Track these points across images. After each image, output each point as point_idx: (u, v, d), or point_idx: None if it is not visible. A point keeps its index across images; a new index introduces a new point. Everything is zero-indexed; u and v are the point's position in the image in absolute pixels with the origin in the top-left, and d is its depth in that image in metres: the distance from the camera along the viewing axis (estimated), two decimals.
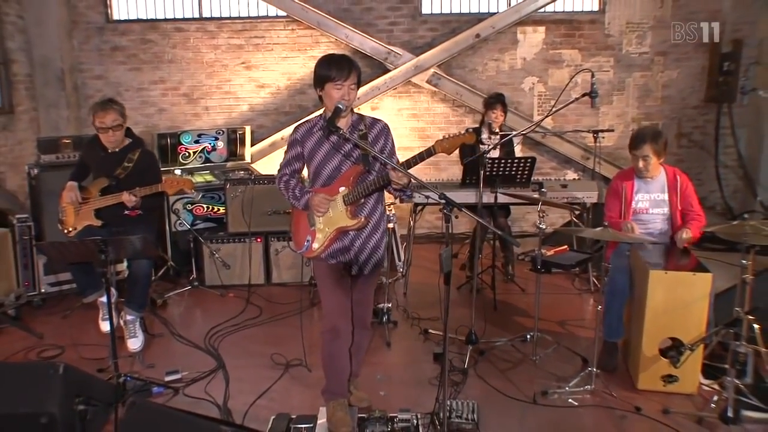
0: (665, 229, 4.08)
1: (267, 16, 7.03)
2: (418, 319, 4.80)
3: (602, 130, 5.94)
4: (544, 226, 3.86)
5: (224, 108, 7.19)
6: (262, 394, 3.69)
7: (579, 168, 7.24)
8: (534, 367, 4.00)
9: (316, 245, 3.07)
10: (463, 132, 2.87)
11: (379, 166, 3.03)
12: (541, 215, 3.91)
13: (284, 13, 6.91)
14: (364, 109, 7.06)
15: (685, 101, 7.19)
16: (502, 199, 4.72)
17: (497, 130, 5.43)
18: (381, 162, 2.93)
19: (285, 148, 3.19)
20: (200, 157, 6.39)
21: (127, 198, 3.84)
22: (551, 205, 4.20)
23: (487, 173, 4.82)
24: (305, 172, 3.23)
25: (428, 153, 2.87)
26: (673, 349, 3.52)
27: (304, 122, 3.12)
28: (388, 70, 6.90)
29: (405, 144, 7.13)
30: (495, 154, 5.37)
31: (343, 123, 3.05)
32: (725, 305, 3.75)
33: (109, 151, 4.03)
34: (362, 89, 6.84)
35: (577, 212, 5.52)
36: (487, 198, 4.94)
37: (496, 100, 5.48)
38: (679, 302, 3.54)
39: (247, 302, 5.24)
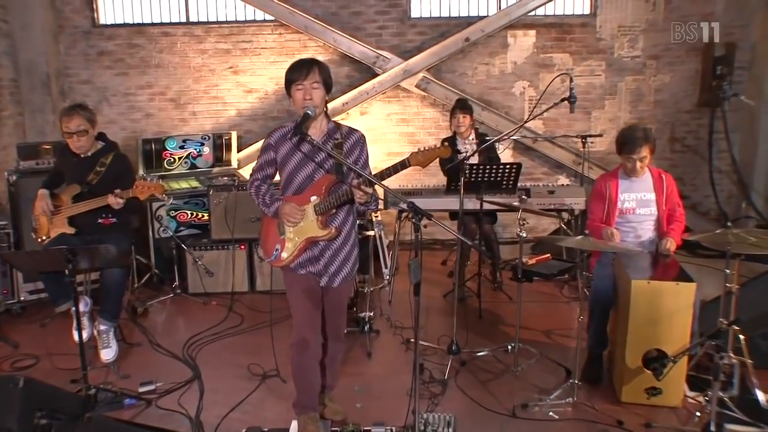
0: (653, 236, 4.00)
1: (254, 21, 6.97)
2: (401, 328, 4.72)
3: (590, 135, 5.86)
4: (524, 234, 3.78)
5: (212, 113, 7.12)
6: (235, 406, 3.61)
7: (571, 173, 7.16)
8: (516, 379, 3.91)
9: (285, 254, 3.00)
10: (438, 145, 2.81)
11: (352, 177, 2.95)
12: (521, 223, 3.83)
13: (272, 18, 6.84)
14: (353, 114, 7.01)
15: (678, 105, 7.11)
16: (472, 205, 4.67)
17: (469, 135, 5.37)
18: (355, 173, 2.85)
19: None
20: (186, 162, 6.32)
21: (113, 200, 3.76)
22: (530, 212, 4.12)
23: (471, 179, 4.76)
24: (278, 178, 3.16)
25: (402, 165, 2.81)
26: (657, 361, 3.43)
27: (279, 128, 3.06)
28: (377, 75, 6.83)
29: (394, 149, 7.08)
30: (474, 159, 5.29)
31: (317, 131, 3.00)
32: (715, 314, 3.65)
33: (82, 156, 3.95)
34: (350, 94, 6.81)
35: (565, 219, 5.44)
36: (473, 205, 4.89)
37: (453, 107, 5.50)
38: (662, 313, 3.46)
39: (230, 310, 5.17)
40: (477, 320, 4.88)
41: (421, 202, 5.05)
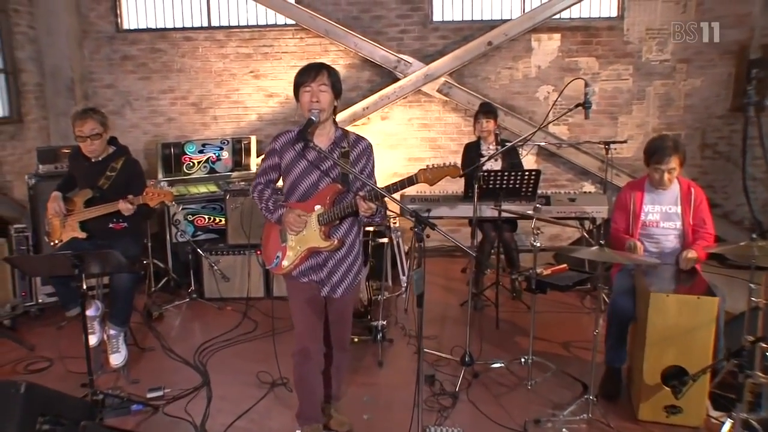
0: (677, 247, 3.84)
1: (275, 25, 6.99)
2: (415, 337, 4.64)
3: (613, 142, 5.70)
4: (538, 244, 3.68)
5: (233, 117, 7.15)
6: (241, 415, 3.58)
7: (597, 180, 6.99)
8: (530, 393, 3.81)
9: (285, 263, 2.97)
10: (448, 164, 2.74)
11: (359, 186, 2.90)
12: (535, 232, 3.72)
13: (293, 22, 6.84)
14: (374, 119, 6.97)
15: (710, 110, 6.89)
16: (491, 212, 4.63)
17: (492, 141, 5.28)
18: (361, 183, 2.79)
19: None
20: (204, 167, 6.35)
21: (124, 206, 3.76)
22: (544, 221, 4.02)
23: (489, 186, 4.68)
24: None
25: (410, 181, 2.76)
26: (676, 378, 3.29)
27: (285, 132, 3.02)
28: (398, 79, 6.78)
29: (415, 154, 7.02)
30: (497, 166, 5.21)
31: (324, 138, 2.95)
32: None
33: (93, 160, 3.97)
34: (371, 98, 6.77)
35: (587, 228, 5.31)
36: (492, 212, 4.81)
37: (477, 111, 5.42)
38: (682, 327, 3.32)
39: (244, 316, 5.16)
40: (493, 330, 4.79)
41: (439, 210, 5.18)
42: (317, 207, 2.89)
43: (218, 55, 7.02)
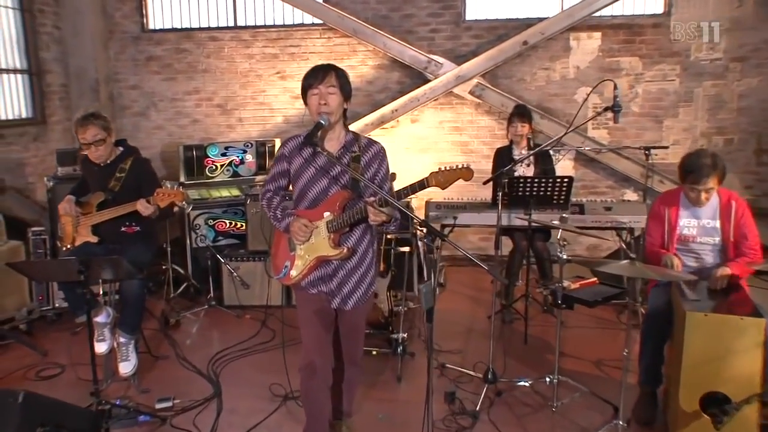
0: (719, 263, 3.65)
1: (302, 24, 7.01)
2: (437, 351, 4.55)
3: (655, 147, 5.50)
4: (564, 256, 3.54)
5: (258, 119, 7.18)
6: (250, 429, 3.54)
7: (640, 187, 6.76)
8: (555, 415, 3.67)
9: (294, 272, 2.93)
10: (460, 166, 2.67)
11: (370, 193, 2.85)
12: (562, 243, 3.59)
13: (320, 21, 6.85)
14: (404, 122, 6.91)
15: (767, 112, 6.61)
16: (515, 221, 4.60)
17: (525, 146, 5.16)
18: (371, 190, 2.73)
19: None
20: (227, 170, 6.38)
21: (142, 206, 3.76)
22: (572, 231, 3.88)
23: (519, 193, 4.59)
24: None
25: (421, 185, 2.70)
26: (717, 406, 3.12)
27: (295, 136, 2.99)
28: (429, 81, 6.71)
29: (446, 158, 6.92)
30: (529, 172, 5.08)
31: (334, 142, 2.92)
32: None
33: (101, 164, 4.00)
34: (400, 100, 6.72)
35: (625, 239, 5.12)
36: (521, 221, 4.69)
37: (511, 114, 5.32)
38: (723, 350, 3.14)
39: (262, 325, 5.14)
40: (521, 346, 4.66)
41: (466, 217, 5.10)
42: (326, 214, 2.85)
43: (244, 56, 7.06)
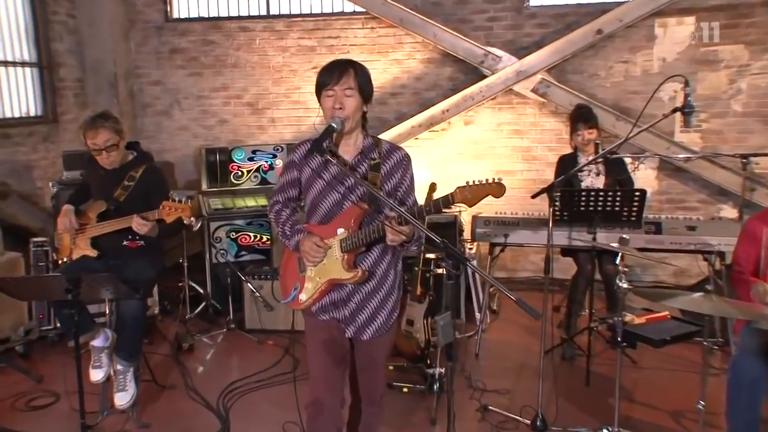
0: None
1: (343, 13, 7.07)
2: (481, 390, 4.46)
3: (754, 154, 5.27)
4: (624, 285, 3.41)
5: (292, 120, 7.27)
6: None
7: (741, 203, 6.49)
8: None
9: (303, 296, 2.92)
10: (491, 181, 2.62)
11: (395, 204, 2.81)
12: (623, 269, 3.46)
13: (362, 9, 6.89)
14: (456, 124, 6.87)
15: None
16: (561, 241, 4.63)
17: (593, 153, 5.02)
18: (389, 205, 2.70)
19: None
20: (255, 177, 6.46)
21: (138, 224, 3.80)
22: (631, 254, 3.76)
23: (581, 208, 4.50)
24: None
25: (446, 202, 2.66)
26: None
27: (306, 141, 2.98)
28: (485, 77, 6.65)
29: (505, 166, 6.84)
30: (599, 183, 4.95)
31: (351, 147, 2.92)
32: None
33: (109, 169, 4.10)
34: (452, 99, 6.69)
35: (714, 265, 4.93)
36: (584, 239, 4.59)
37: (575, 118, 5.19)
38: None
39: (285, 353, 5.17)
40: (582, 388, 4.52)
41: (519, 235, 5.01)
42: (340, 230, 2.82)
43: (277, 48, 7.17)
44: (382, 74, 6.99)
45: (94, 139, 3.96)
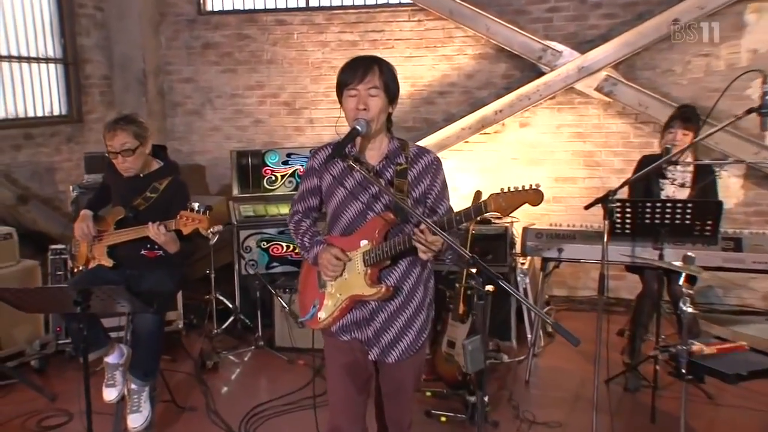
0: None
1: (387, 5, 7.08)
2: (530, 422, 4.38)
3: None
4: (689, 309, 3.29)
5: (332, 121, 7.12)
6: None
7: None
8: None
9: (322, 314, 2.91)
10: (528, 187, 2.57)
11: (421, 214, 2.80)
12: (686, 291, 3.34)
13: (409, 1, 6.91)
14: (511, 126, 6.82)
15: None
16: (621, 257, 4.57)
17: (680, 158, 4.88)
18: (412, 214, 2.69)
19: None
20: (290, 182, 6.49)
21: (155, 230, 3.84)
22: (695, 274, 3.64)
23: (646, 221, 4.40)
24: None
25: (478, 210, 2.62)
26: None
27: (327, 145, 3.00)
28: (544, 74, 6.56)
29: (565, 173, 6.73)
30: (682, 194, 4.86)
31: (375, 152, 2.93)
32: None
33: (125, 176, 4.15)
34: (506, 99, 6.64)
35: None
36: (649, 255, 4.52)
37: (672, 117, 5.02)
38: None
39: (316, 374, 5.13)
40: (646, 425, 4.38)
41: (576, 249, 4.90)
42: (363, 242, 2.82)
43: (316, 43, 7.22)
44: (429, 71, 6.97)
45: (110, 141, 4.03)
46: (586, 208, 4.05)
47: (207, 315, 5.87)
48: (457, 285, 4.53)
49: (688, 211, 4.35)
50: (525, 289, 5.54)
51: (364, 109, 2.75)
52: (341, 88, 2.83)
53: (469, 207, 2.61)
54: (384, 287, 2.78)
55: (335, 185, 2.90)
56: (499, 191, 2.59)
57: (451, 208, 2.88)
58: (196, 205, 3.79)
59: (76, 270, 4.28)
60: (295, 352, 5.55)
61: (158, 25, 7.46)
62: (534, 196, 2.54)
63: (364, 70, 2.76)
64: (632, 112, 6.51)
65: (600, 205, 3.89)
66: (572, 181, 6.71)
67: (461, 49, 6.86)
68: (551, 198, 6.71)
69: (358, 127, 2.75)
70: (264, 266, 6.02)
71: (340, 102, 2.87)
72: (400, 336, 2.87)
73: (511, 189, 2.57)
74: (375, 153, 2.90)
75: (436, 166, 2.90)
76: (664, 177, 4.88)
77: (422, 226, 2.59)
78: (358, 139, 2.85)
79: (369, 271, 2.79)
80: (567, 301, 6.67)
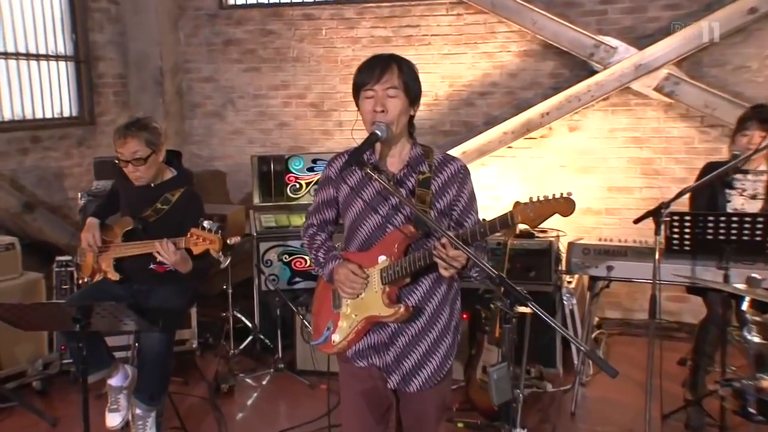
0: None
1: None
2: None
3: None
4: (756, 338, 3.19)
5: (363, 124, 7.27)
6: None
7: None
8: None
9: (336, 337, 2.90)
10: (558, 197, 2.53)
11: (446, 227, 2.81)
12: (750, 319, 3.24)
13: None
14: (558, 130, 6.78)
15: None
16: (677, 277, 4.43)
17: (756, 165, 4.77)
18: (435, 226, 2.67)
19: None
20: (316, 190, 6.46)
21: (164, 249, 3.81)
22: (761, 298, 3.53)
23: (708, 237, 4.30)
24: None
25: (504, 222, 2.59)
26: None
27: (344, 153, 3.02)
28: (596, 72, 6.49)
29: (619, 182, 6.64)
30: (753, 208, 4.73)
31: (395, 159, 2.94)
32: None
33: (137, 185, 4.15)
34: (553, 100, 6.60)
35: None
36: (711, 276, 4.40)
37: (745, 117, 4.84)
38: None
39: (335, 405, 5.13)
40: None
41: (627, 267, 4.81)
42: (381, 258, 2.80)
43: (347, 39, 7.24)
44: (469, 70, 6.95)
45: (121, 148, 4.03)
46: (636, 221, 3.99)
47: (223, 334, 5.88)
48: (493, 305, 4.49)
49: (759, 225, 4.25)
50: (571, 311, 5.46)
51: (382, 111, 2.75)
52: (357, 89, 2.84)
53: (495, 218, 2.58)
54: (403, 307, 2.75)
55: (352, 196, 2.90)
56: (528, 200, 2.55)
57: (479, 221, 2.84)
58: (207, 223, 3.77)
59: (81, 282, 4.32)
60: (317, 376, 5.52)
61: (177, 19, 7.55)
62: (565, 206, 2.51)
63: (381, 69, 2.76)
64: (697, 115, 6.40)
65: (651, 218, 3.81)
66: (627, 192, 6.61)
67: (504, 46, 6.82)
68: (603, 210, 6.66)
69: (377, 132, 2.74)
70: (286, 281, 6.02)
71: (357, 106, 2.87)
72: (423, 362, 2.85)
73: (540, 198, 2.53)
74: (396, 160, 2.90)
75: (462, 174, 2.88)
76: (732, 187, 4.75)
77: (443, 240, 2.57)
78: (378, 146, 2.86)
79: (387, 289, 2.78)
80: (622, 324, 6.55)
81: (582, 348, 2.12)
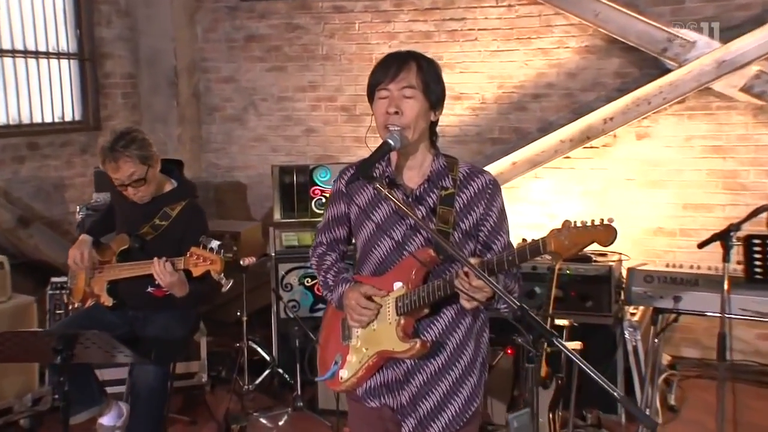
0: None
1: None
2: None
3: None
4: None
5: None
6: None
7: None
8: None
9: (344, 373, 2.88)
10: (598, 224, 2.46)
11: (471, 251, 2.80)
12: None
13: None
14: (625, 137, 6.69)
15: None
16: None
17: None
18: (454, 253, 2.61)
19: None
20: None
21: (160, 268, 3.83)
22: None
23: None
24: None
25: (535, 250, 2.52)
26: None
27: (354, 164, 2.98)
28: (669, 71, 6.39)
29: (697, 198, 6.54)
30: None
31: (415, 171, 2.91)
32: None
33: (140, 203, 4.17)
34: (619, 103, 6.52)
35: None
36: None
37: None
38: None
39: None
40: None
41: (695, 299, 4.73)
42: (397, 285, 2.77)
43: (382, 35, 7.27)
44: (521, 69, 6.93)
45: (115, 174, 4.02)
46: (700, 246, 3.90)
47: (237, 367, 5.88)
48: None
49: None
50: (635, 348, 5.32)
51: (396, 113, 2.71)
52: (372, 90, 2.82)
53: (525, 245, 2.51)
54: (419, 343, 2.70)
55: (363, 216, 2.89)
56: (562, 226, 2.48)
57: (510, 244, 2.81)
58: (209, 242, 3.78)
59: (71, 307, 4.35)
60: (341, 416, 5.50)
61: (193, 13, 7.63)
62: (604, 234, 2.43)
63: (397, 67, 2.73)
64: None
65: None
66: (707, 209, 6.48)
67: (562, 41, 6.78)
68: (677, 231, 6.54)
69: (390, 141, 2.71)
70: (308, 308, 6.00)
71: (372, 109, 2.85)
72: (444, 404, 2.82)
73: (578, 224, 2.46)
74: (415, 173, 2.87)
75: (491, 190, 2.84)
76: None
77: (466, 268, 2.52)
78: (394, 156, 2.83)
79: (402, 321, 2.74)
80: (700, 365, 6.38)
81: (615, 392, 2.05)
